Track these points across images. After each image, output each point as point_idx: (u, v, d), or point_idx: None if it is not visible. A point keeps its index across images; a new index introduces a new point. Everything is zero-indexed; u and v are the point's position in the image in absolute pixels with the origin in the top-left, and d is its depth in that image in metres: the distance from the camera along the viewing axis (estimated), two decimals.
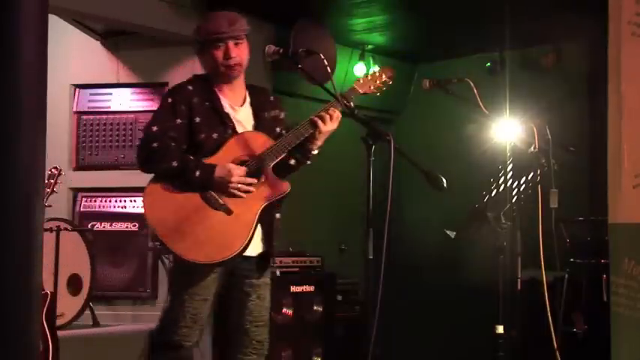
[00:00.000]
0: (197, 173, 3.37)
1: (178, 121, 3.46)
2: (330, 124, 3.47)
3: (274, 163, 3.46)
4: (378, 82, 3.65)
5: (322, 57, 3.44)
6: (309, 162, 3.60)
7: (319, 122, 3.46)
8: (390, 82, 3.69)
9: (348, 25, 6.33)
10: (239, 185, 3.39)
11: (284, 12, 5.61)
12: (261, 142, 3.49)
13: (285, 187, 3.48)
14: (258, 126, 3.57)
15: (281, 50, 3.51)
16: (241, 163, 3.44)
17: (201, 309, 3.43)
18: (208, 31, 3.52)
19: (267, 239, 3.49)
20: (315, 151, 3.56)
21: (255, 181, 3.43)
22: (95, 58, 6.20)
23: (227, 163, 3.42)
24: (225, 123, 3.49)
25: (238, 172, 3.40)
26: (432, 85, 4.11)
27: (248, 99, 3.62)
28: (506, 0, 4.71)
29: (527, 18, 5.44)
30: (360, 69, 6.76)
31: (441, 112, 6.47)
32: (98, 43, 6.20)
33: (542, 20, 5.70)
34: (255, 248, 3.47)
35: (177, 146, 3.43)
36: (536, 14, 5.55)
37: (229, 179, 3.38)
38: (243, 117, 3.57)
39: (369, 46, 6.82)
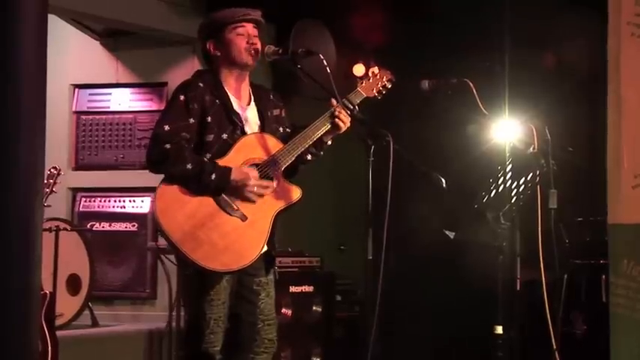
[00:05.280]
0: (213, 176, 3.31)
1: (191, 120, 3.38)
2: (347, 121, 3.48)
3: (286, 166, 3.45)
4: (379, 85, 3.65)
5: (322, 57, 3.43)
6: (322, 153, 3.59)
7: (340, 123, 3.46)
8: (390, 86, 3.70)
9: (348, 25, 6.33)
10: (255, 189, 3.36)
11: (284, 12, 5.62)
12: (272, 145, 3.46)
13: (297, 193, 3.46)
14: (265, 126, 3.54)
15: (280, 50, 3.51)
16: (253, 166, 3.42)
17: (222, 312, 3.39)
18: (232, 13, 3.49)
19: (269, 238, 3.47)
20: (330, 142, 3.56)
21: (271, 183, 3.41)
22: (94, 58, 6.20)
23: (238, 165, 3.38)
24: (234, 123, 3.45)
25: (255, 176, 3.37)
26: (432, 85, 4.11)
27: (252, 98, 3.60)
28: (506, 0, 4.71)
29: (528, 18, 5.44)
30: (359, 69, 6.76)
31: (441, 112, 6.46)
32: (97, 43, 6.20)
33: (542, 21, 5.70)
34: None
35: (189, 147, 3.37)
36: (537, 14, 5.55)
37: (246, 182, 3.34)
38: (250, 116, 3.54)
39: (369, 46, 6.82)
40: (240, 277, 3.46)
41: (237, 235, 3.34)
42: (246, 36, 3.49)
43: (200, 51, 3.67)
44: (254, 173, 3.38)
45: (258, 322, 3.49)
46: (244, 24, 3.50)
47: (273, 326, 3.53)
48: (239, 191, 3.35)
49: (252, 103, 3.59)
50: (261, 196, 3.38)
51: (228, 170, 3.35)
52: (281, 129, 3.61)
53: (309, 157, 3.56)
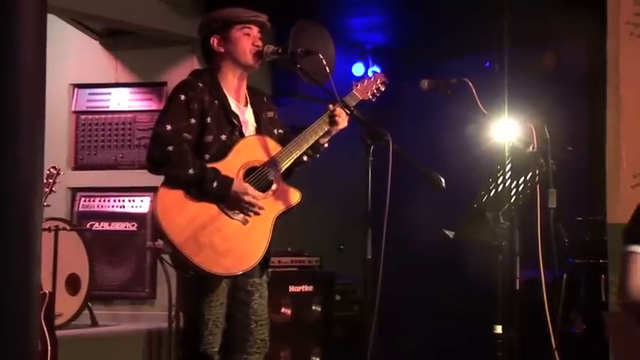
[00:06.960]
0: (214, 184, 3.31)
1: (192, 121, 3.38)
2: (344, 122, 3.50)
3: (285, 168, 3.46)
4: (373, 87, 3.68)
5: (321, 57, 3.43)
6: (318, 155, 3.60)
7: (338, 124, 3.48)
8: (383, 89, 3.71)
9: (347, 24, 6.33)
10: (251, 208, 3.36)
11: (283, 12, 5.61)
12: (271, 147, 3.47)
13: (297, 197, 3.47)
14: (261, 128, 3.55)
15: (280, 50, 3.51)
16: (252, 169, 3.42)
17: (220, 313, 3.40)
18: (242, 12, 3.50)
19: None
20: (327, 145, 3.58)
21: (269, 197, 3.41)
22: (94, 57, 6.20)
23: (237, 168, 3.39)
24: (233, 124, 3.45)
25: (253, 192, 3.37)
26: (431, 85, 4.11)
27: (249, 99, 3.60)
28: (505, 0, 4.72)
29: (527, 18, 5.44)
30: (359, 68, 6.77)
31: (440, 112, 6.47)
32: (97, 42, 6.20)
33: (542, 20, 5.70)
34: None
35: (191, 150, 3.37)
36: (536, 14, 5.55)
37: (244, 197, 3.34)
38: (248, 118, 3.55)
39: (369, 46, 6.82)
40: (235, 277, 3.46)
41: (238, 239, 3.35)
42: (251, 37, 3.50)
43: (199, 50, 3.66)
44: (253, 191, 3.38)
45: (251, 322, 3.49)
46: (252, 25, 3.51)
47: (265, 327, 3.54)
48: (237, 203, 3.35)
49: (249, 104, 3.59)
50: (256, 214, 3.38)
51: (229, 180, 3.35)
52: (275, 131, 3.61)
53: (304, 158, 3.57)
